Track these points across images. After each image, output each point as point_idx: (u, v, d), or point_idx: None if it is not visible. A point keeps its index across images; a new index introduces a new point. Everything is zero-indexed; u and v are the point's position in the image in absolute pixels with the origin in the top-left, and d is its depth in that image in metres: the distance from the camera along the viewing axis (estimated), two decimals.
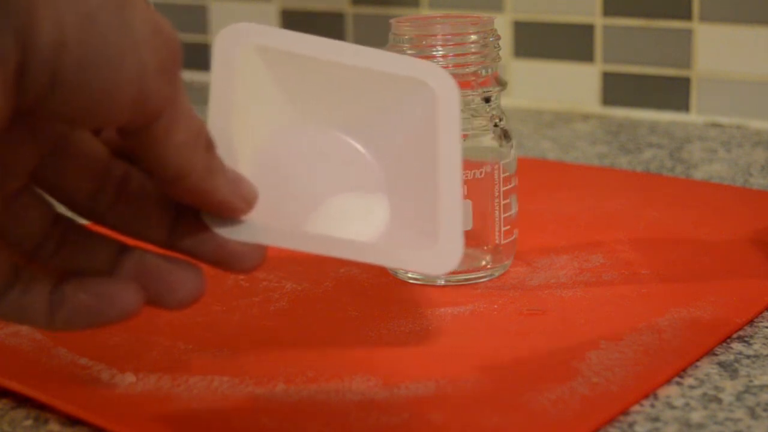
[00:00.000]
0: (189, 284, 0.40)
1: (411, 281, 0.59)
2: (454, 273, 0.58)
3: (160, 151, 0.38)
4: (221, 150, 0.40)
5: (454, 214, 0.43)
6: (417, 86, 0.46)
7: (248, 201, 0.41)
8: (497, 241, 0.58)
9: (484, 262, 0.59)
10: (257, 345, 0.51)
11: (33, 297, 0.39)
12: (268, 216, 0.42)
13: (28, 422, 0.46)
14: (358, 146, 0.46)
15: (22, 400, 0.47)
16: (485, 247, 0.59)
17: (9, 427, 0.46)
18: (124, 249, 0.41)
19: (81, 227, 0.41)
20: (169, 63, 0.38)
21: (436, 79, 0.47)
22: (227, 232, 0.41)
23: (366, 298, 0.57)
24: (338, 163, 0.46)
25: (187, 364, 0.49)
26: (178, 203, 0.41)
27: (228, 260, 0.41)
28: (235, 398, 0.46)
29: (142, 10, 0.37)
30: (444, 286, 0.58)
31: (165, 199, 0.41)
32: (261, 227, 0.41)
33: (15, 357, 0.51)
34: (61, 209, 0.41)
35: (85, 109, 0.36)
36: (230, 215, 0.41)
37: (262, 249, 0.41)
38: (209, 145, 0.40)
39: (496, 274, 0.59)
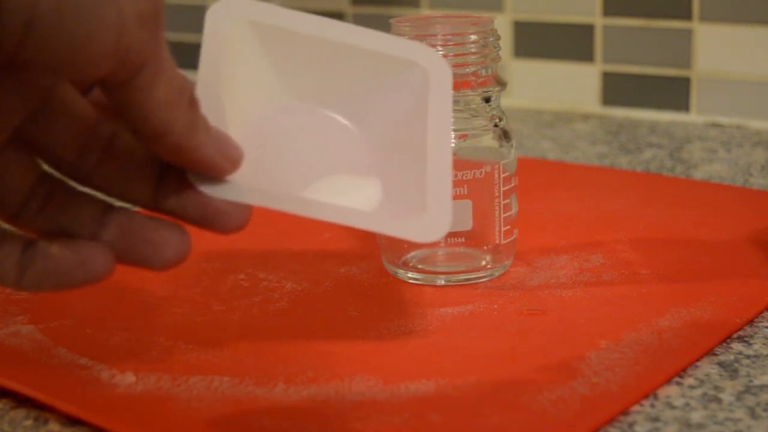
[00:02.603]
0: (174, 243, 0.40)
1: (411, 281, 0.59)
2: (454, 273, 0.58)
3: (143, 106, 0.38)
4: (210, 119, 0.40)
5: (443, 188, 0.43)
6: (408, 66, 0.46)
7: (232, 161, 0.41)
8: (497, 241, 0.58)
9: (484, 262, 0.59)
10: (257, 345, 0.51)
11: (3, 255, 0.39)
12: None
13: (28, 422, 0.46)
14: (349, 125, 0.46)
15: (22, 400, 0.47)
16: (485, 247, 0.59)
17: (9, 427, 0.46)
18: (109, 209, 0.41)
19: (67, 186, 0.41)
20: (149, 14, 0.37)
21: (428, 60, 0.47)
22: (212, 191, 0.40)
23: (366, 298, 0.57)
24: (329, 143, 0.46)
25: (187, 364, 0.49)
26: (163, 163, 0.41)
27: (213, 219, 0.40)
28: (235, 398, 0.46)
29: None
30: (444, 286, 0.58)
31: (151, 158, 0.41)
32: (247, 187, 0.41)
33: (15, 357, 0.51)
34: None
35: (62, 58, 0.36)
36: (214, 174, 0.41)
37: (247, 209, 0.41)
38: (192, 102, 0.39)
39: (496, 274, 0.59)
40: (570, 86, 0.98)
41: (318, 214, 0.42)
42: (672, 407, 0.46)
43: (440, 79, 0.46)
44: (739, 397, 0.46)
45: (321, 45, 0.45)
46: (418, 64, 0.46)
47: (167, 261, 0.40)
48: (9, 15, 0.35)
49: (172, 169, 0.41)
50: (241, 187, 0.41)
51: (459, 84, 0.57)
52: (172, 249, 0.40)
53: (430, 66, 0.47)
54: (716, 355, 0.50)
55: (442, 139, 0.45)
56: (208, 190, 0.41)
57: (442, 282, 0.58)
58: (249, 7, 0.45)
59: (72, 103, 0.41)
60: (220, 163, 0.40)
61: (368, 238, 0.63)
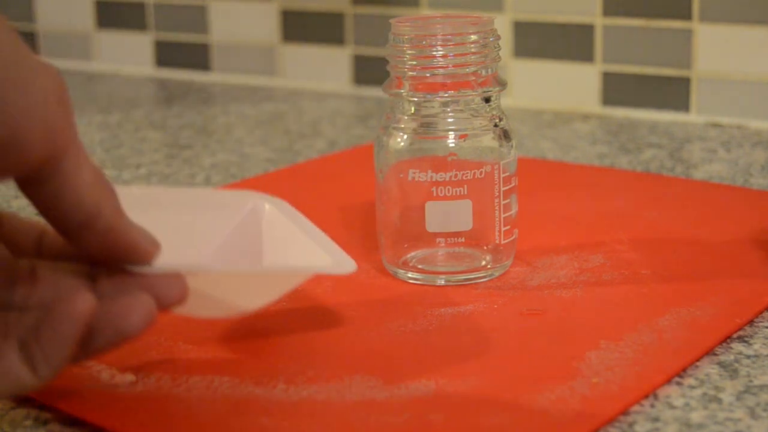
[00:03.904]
0: (140, 307, 0.41)
1: (411, 281, 0.59)
2: (454, 273, 0.58)
3: (73, 190, 0.39)
4: None
5: (330, 245, 0.51)
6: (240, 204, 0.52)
7: (154, 242, 0.42)
8: (497, 241, 0.58)
9: (484, 262, 0.59)
10: (257, 345, 0.51)
11: (8, 359, 0.40)
12: None
13: (28, 422, 0.46)
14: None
15: (22, 400, 0.47)
16: (485, 247, 0.59)
17: (9, 427, 0.46)
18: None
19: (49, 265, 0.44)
20: (62, 93, 0.39)
21: (251, 197, 0.53)
22: (145, 269, 0.42)
23: (366, 298, 0.57)
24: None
25: (187, 364, 0.49)
26: (90, 273, 0.43)
27: (155, 296, 0.42)
28: (235, 398, 0.46)
29: (24, 43, 0.38)
30: (444, 286, 0.58)
31: (75, 273, 0.43)
32: (172, 263, 0.43)
33: None
34: None
35: (6, 137, 0.37)
36: (140, 258, 0.42)
37: (182, 279, 0.42)
38: (113, 187, 0.41)
39: (496, 274, 0.59)
40: (570, 86, 0.98)
41: (253, 271, 0.48)
42: (672, 407, 0.46)
43: (272, 205, 0.53)
44: (739, 397, 0.46)
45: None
46: (247, 201, 0.53)
47: (137, 326, 0.41)
48: None
49: (98, 275, 0.43)
50: (167, 264, 0.43)
51: (459, 84, 0.57)
52: (141, 313, 0.41)
53: (256, 200, 0.53)
54: (716, 355, 0.50)
55: (307, 227, 0.52)
56: (141, 269, 0.42)
57: (442, 282, 0.58)
58: None
59: None
60: (145, 245, 0.42)
61: (368, 238, 0.63)
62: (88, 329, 0.40)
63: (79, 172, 0.39)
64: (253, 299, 0.49)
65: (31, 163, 0.38)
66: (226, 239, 0.52)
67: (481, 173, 0.57)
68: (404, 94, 0.57)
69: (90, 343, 0.41)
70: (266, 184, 0.77)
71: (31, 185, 0.39)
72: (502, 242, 0.59)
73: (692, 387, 0.47)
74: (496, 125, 0.58)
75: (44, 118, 0.38)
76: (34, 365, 0.40)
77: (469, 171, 0.57)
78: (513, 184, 0.59)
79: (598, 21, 0.96)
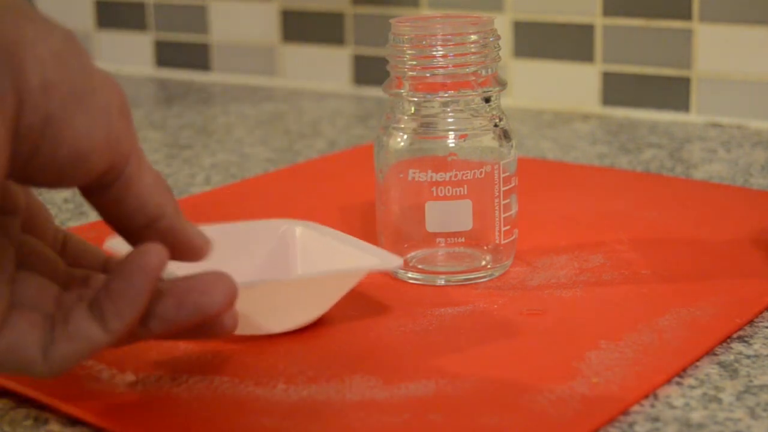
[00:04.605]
0: (222, 284, 0.42)
1: (411, 281, 0.59)
2: (454, 273, 0.58)
3: (138, 194, 0.40)
4: None
5: (371, 248, 0.54)
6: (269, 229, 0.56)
7: (207, 240, 0.43)
8: (497, 241, 0.58)
9: (484, 262, 0.59)
10: (257, 345, 0.51)
11: (77, 319, 0.41)
12: None
13: (28, 422, 0.46)
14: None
15: (22, 400, 0.47)
16: (485, 247, 0.59)
17: (9, 427, 0.46)
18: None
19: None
20: (124, 105, 0.40)
21: (282, 223, 0.56)
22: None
23: (366, 298, 0.57)
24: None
25: (187, 364, 0.49)
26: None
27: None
28: (235, 398, 0.46)
29: (89, 54, 0.40)
30: (444, 286, 0.58)
31: None
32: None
33: None
34: None
35: (72, 152, 0.38)
36: (196, 255, 0.43)
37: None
38: (170, 188, 0.42)
39: (496, 274, 0.59)
40: (570, 86, 0.98)
41: (307, 277, 0.51)
42: (672, 407, 0.46)
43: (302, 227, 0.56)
44: (739, 397, 0.46)
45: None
46: (277, 226, 0.56)
47: (221, 302, 0.42)
48: (29, 113, 0.37)
49: None
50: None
51: (459, 84, 0.57)
52: (220, 289, 0.42)
53: (282, 224, 0.56)
54: (716, 355, 0.50)
55: (338, 236, 0.55)
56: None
57: (442, 282, 0.58)
58: None
59: (41, 252, 0.44)
60: (200, 242, 0.43)
61: (368, 238, 0.63)
62: (169, 302, 0.41)
63: (141, 176, 0.40)
64: (307, 310, 0.52)
65: (96, 174, 0.39)
66: (259, 268, 0.54)
67: (481, 173, 0.57)
68: (404, 94, 0.57)
69: (168, 318, 0.41)
70: (266, 184, 0.77)
71: (94, 191, 0.40)
72: (502, 242, 0.59)
73: (692, 387, 0.47)
74: (496, 125, 0.58)
75: (108, 131, 0.39)
76: (105, 321, 0.40)
77: (469, 171, 0.57)
78: (513, 184, 0.59)
79: (598, 21, 0.96)
